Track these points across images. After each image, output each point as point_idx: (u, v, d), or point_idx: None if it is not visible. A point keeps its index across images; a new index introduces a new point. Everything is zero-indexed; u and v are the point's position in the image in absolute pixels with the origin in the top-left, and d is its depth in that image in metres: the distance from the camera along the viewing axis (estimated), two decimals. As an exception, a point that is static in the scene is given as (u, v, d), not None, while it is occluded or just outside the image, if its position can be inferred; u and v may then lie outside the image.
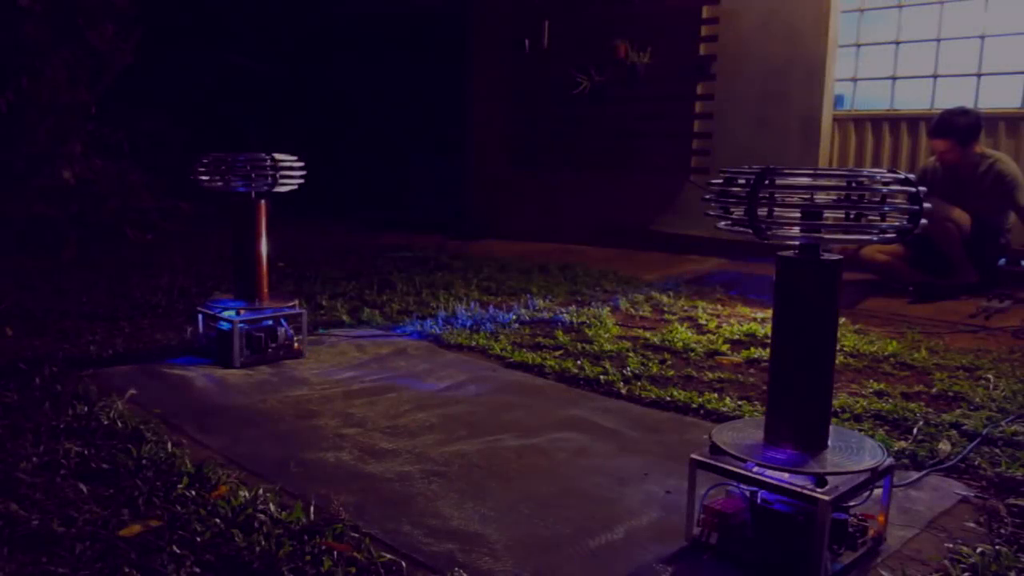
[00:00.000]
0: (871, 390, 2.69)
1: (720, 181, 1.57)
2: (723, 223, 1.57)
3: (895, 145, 5.58)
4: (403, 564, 1.54)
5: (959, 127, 4.34)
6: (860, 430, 2.26)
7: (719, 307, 4.11)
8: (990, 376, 2.82)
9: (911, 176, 1.49)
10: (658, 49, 6.36)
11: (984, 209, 4.39)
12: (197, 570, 1.49)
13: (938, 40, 5.41)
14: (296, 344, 3.09)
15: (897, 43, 5.59)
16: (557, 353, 3.18)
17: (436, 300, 4.13)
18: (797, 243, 1.57)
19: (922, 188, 1.49)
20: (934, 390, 2.69)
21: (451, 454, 2.13)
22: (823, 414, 1.62)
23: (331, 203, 8.79)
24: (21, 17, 5.33)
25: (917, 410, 2.43)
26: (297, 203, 6.08)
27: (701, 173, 6.20)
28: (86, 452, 1.99)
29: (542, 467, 2.06)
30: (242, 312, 2.97)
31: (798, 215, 1.52)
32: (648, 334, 3.47)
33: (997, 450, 2.13)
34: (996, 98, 5.13)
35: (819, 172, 1.62)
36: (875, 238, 1.53)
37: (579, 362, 3.00)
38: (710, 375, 2.87)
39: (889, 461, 1.62)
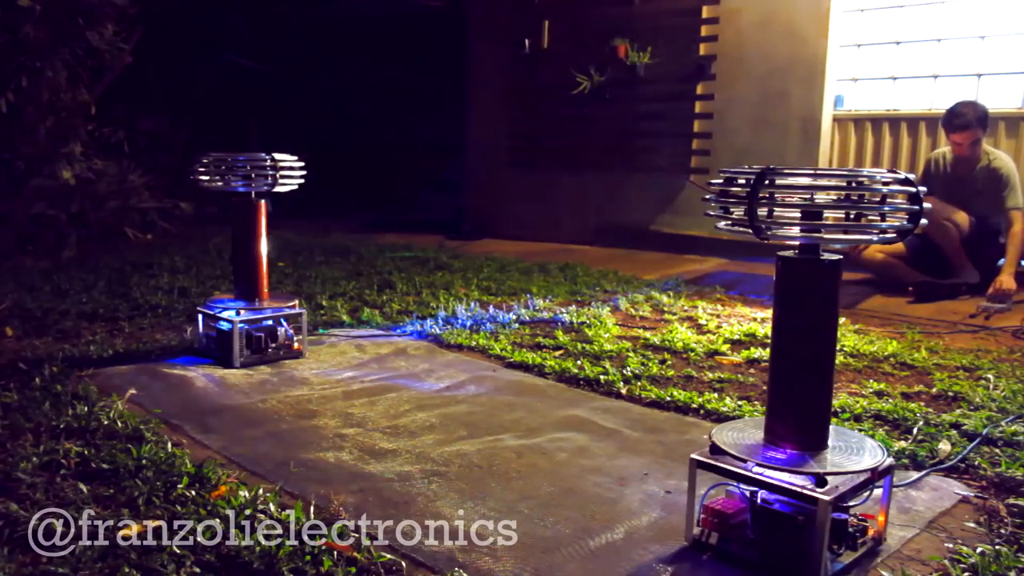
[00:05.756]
0: (871, 390, 2.68)
1: (720, 181, 1.57)
2: (723, 223, 1.57)
3: (895, 145, 5.58)
4: (403, 564, 1.54)
5: (980, 114, 4.32)
6: (860, 430, 2.26)
7: (719, 307, 4.11)
8: (990, 376, 2.81)
9: (911, 176, 1.49)
10: (658, 49, 6.36)
11: (982, 208, 4.39)
12: (197, 570, 1.49)
13: (938, 40, 5.41)
14: (296, 344, 3.09)
15: (897, 43, 5.59)
16: (557, 353, 3.18)
17: (436, 300, 4.13)
18: (797, 243, 1.57)
19: (922, 188, 1.49)
20: (934, 390, 2.69)
21: (451, 454, 2.13)
22: (823, 414, 1.62)
23: (331, 203, 8.79)
24: (21, 17, 5.33)
25: (917, 410, 2.43)
26: (297, 203, 6.10)
27: (701, 173, 6.20)
28: (86, 452, 1.99)
29: (542, 467, 2.06)
30: (242, 312, 2.97)
31: (798, 215, 1.52)
32: (648, 334, 3.46)
33: (997, 450, 2.13)
34: (996, 98, 5.13)
35: (819, 172, 1.62)
36: (875, 238, 1.53)
37: (579, 362, 3.00)
38: (710, 375, 2.86)
39: (889, 461, 1.62)
